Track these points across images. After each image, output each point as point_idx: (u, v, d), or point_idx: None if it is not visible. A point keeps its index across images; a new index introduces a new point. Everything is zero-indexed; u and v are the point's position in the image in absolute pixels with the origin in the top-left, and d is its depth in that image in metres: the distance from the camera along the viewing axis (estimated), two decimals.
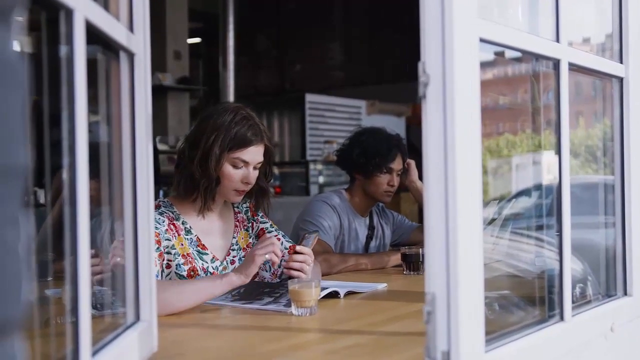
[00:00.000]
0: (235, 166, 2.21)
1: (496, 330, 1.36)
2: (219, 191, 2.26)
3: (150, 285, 1.40)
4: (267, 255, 2.01)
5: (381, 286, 2.37)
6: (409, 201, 6.75)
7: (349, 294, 2.20)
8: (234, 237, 2.37)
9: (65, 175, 1.01)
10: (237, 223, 2.40)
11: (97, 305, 1.34)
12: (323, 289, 2.05)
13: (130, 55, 1.35)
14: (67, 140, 0.99)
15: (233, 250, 2.35)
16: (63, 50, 1.01)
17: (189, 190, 2.24)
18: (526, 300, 1.74)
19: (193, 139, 2.23)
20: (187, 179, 2.22)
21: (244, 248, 2.37)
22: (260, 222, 2.45)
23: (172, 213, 2.24)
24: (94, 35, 1.11)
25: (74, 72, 1.01)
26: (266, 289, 2.16)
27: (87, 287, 1.03)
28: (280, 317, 1.87)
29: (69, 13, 1.00)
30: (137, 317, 1.38)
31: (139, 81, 1.37)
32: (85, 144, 1.02)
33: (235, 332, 1.75)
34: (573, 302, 1.58)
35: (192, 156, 2.20)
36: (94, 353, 1.09)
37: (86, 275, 1.02)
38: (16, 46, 0.60)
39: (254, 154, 2.23)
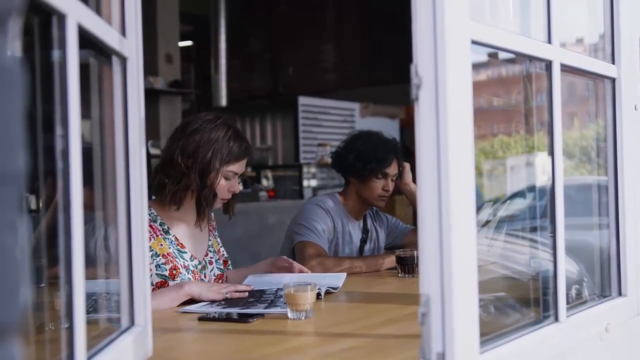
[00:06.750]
0: (226, 178, 2.31)
1: (491, 332, 1.36)
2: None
3: (145, 289, 1.40)
4: (227, 295, 2.14)
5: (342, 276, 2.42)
6: (403, 204, 6.75)
7: (328, 293, 2.24)
8: (209, 240, 2.47)
9: (58, 180, 1.00)
10: (211, 228, 2.50)
11: (89, 309, 1.34)
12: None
13: (123, 60, 1.35)
14: (60, 145, 0.99)
15: (210, 251, 2.44)
16: (55, 55, 1.01)
17: (182, 199, 2.28)
18: (521, 301, 1.74)
19: (187, 150, 2.26)
20: (182, 190, 2.27)
21: (217, 251, 2.48)
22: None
23: (149, 215, 2.26)
24: (86, 40, 1.11)
25: (67, 77, 1.01)
26: (250, 298, 2.13)
27: (82, 292, 1.03)
28: (276, 321, 1.87)
29: (62, 18, 0.99)
30: (132, 322, 1.37)
31: (132, 86, 1.37)
32: (78, 149, 1.02)
33: (230, 337, 1.75)
34: (568, 303, 1.58)
35: (187, 167, 2.25)
36: (89, 358, 1.09)
37: (81, 281, 1.02)
38: (13, 52, 0.60)
39: (244, 166, 2.36)
